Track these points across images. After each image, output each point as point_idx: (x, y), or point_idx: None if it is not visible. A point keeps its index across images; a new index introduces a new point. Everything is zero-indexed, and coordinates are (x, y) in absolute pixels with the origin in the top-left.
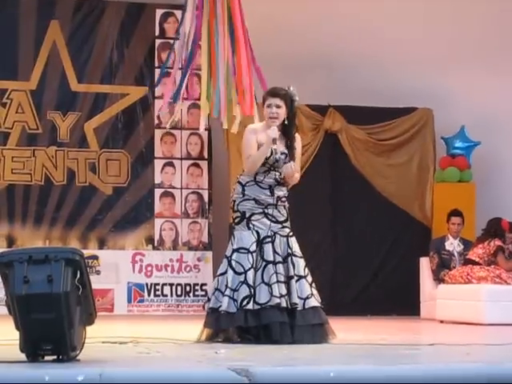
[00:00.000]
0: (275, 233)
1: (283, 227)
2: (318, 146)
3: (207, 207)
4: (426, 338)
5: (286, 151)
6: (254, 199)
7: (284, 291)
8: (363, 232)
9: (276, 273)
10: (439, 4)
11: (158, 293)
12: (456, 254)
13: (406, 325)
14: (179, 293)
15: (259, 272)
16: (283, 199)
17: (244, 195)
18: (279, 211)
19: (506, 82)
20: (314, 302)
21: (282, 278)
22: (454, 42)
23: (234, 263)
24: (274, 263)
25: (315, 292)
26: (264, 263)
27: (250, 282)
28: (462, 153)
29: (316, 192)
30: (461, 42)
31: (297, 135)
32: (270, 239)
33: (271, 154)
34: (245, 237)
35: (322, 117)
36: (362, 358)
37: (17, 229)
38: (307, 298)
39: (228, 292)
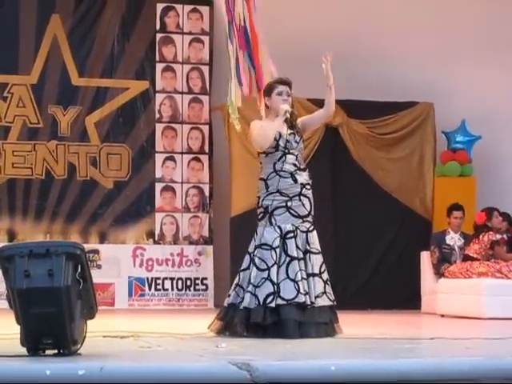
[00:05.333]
0: (297, 227)
1: (304, 222)
2: (319, 140)
3: (208, 201)
4: (427, 332)
5: (292, 131)
6: (277, 191)
7: (307, 288)
8: (364, 226)
9: (300, 269)
10: None
11: (158, 287)
12: (457, 248)
13: (406, 319)
14: (180, 287)
15: (283, 267)
16: (307, 187)
17: (268, 189)
18: (303, 204)
19: (507, 77)
20: (325, 300)
21: (304, 275)
22: (454, 36)
23: (256, 260)
24: (298, 259)
25: (329, 290)
26: (288, 259)
27: (274, 279)
28: (462, 147)
29: (317, 186)
30: (462, 37)
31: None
32: (292, 234)
33: (279, 136)
34: (267, 233)
35: None
36: (363, 351)
37: (18, 223)
38: (318, 296)
39: (250, 288)
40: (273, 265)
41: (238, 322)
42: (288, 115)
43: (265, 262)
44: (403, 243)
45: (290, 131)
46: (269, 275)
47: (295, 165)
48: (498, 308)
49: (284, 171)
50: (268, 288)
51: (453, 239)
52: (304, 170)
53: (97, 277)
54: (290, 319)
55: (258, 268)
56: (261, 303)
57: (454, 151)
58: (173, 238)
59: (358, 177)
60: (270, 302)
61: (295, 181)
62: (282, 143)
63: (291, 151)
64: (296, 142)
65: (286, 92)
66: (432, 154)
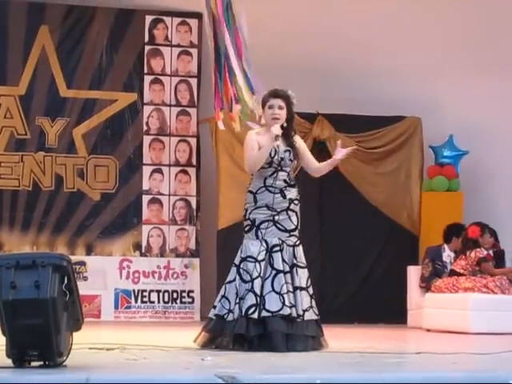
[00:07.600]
0: (283, 241)
1: (290, 236)
2: None
3: (195, 214)
4: (413, 346)
5: (289, 148)
6: (266, 206)
7: (293, 301)
8: (351, 240)
9: (286, 283)
10: (427, 14)
11: (145, 299)
12: (448, 265)
13: (392, 333)
14: (166, 299)
15: (268, 281)
16: (296, 202)
17: (256, 203)
18: (290, 218)
19: (493, 92)
20: (312, 315)
21: (290, 288)
22: (442, 52)
23: (241, 271)
24: (284, 272)
25: (314, 304)
26: (274, 272)
27: (257, 291)
28: (450, 162)
29: (304, 200)
30: (449, 52)
31: (296, 136)
32: (278, 248)
33: (275, 152)
34: (253, 245)
35: (310, 125)
36: (349, 365)
37: (4, 234)
38: (306, 310)
39: (238, 300)
40: (256, 277)
41: (225, 334)
42: (279, 141)
43: (249, 274)
44: (390, 257)
45: (286, 148)
46: (252, 287)
47: (286, 181)
48: (484, 323)
49: (274, 187)
50: (251, 300)
51: (449, 257)
52: (293, 186)
53: (83, 289)
54: (278, 331)
55: (242, 280)
56: (243, 314)
57: (442, 166)
58: (159, 251)
59: (346, 191)
60: (252, 314)
61: (284, 197)
62: (276, 160)
63: (284, 168)
64: (290, 160)
65: (278, 106)
66: (419, 168)
